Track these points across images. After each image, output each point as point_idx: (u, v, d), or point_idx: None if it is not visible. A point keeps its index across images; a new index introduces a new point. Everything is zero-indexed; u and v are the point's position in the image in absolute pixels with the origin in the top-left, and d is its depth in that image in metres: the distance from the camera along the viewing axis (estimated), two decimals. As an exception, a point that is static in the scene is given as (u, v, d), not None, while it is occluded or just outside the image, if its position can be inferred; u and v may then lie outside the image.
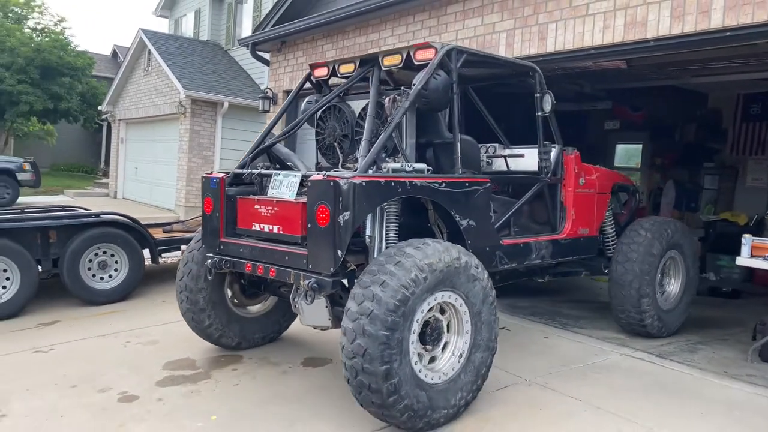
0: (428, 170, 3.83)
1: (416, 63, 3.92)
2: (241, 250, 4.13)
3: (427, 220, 4.13)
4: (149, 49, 16.13)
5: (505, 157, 5.10)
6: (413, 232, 3.88)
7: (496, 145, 5.33)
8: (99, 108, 21.71)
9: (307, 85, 4.80)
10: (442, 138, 4.23)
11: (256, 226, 4.07)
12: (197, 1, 19.41)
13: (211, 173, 4.36)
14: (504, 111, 10.79)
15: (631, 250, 5.19)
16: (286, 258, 3.75)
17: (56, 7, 43.84)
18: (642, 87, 8.00)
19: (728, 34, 4.49)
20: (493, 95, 9.65)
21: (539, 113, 4.60)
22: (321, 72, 4.59)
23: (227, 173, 4.34)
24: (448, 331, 3.64)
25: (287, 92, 9.77)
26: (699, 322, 6.22)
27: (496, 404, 3.94)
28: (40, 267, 5.97)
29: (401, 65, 3.98)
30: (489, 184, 4.03)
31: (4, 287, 5.71)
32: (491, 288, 3.71)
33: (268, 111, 9.80)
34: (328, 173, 3.52)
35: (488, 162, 5.22)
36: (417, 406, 3.32)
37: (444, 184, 3.76)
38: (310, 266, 3.57)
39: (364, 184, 3.39)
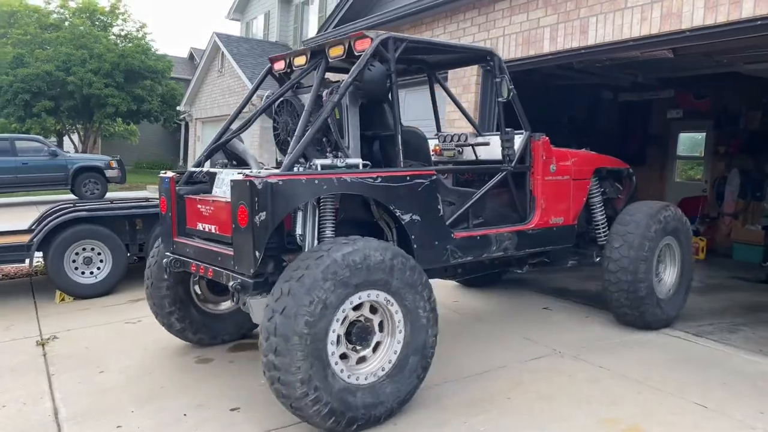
0: (365, 165, 3.73)
1: (356, 53, 3.83)
2: (188, 249, 4.08)
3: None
4: (222, 51, 17.10)
5: (472, 145, 4.98)
6: (364, 228, 3.91)
7: (467, 133, 5.24)
8: (177, 108, 23.05)
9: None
10: (389, 130, 4.07)
11: (200, 226, 4.04)
12: (267, 4, 20.28)
13: (165, 172, 4.33)
14: (567, 103, 10.97)
15: (627, 232, 4.99)
16: (219, 258, 3.70)
17: (137, 13, 46.48)
18: (705, 74, 8.00)
19: (759, 23, 4.64)
20: (555, 88, 9.90)
21: (499, 99, 4.48)
22: (279, 65, 4.44)
23: (182, 173, 4.32)
24: (381, 331, 3.51)
25: (348, 89, 10.29)
26: (749, 306, 6.33)
27: (527, 372, 4.31)
28: (128, 251, 6.76)
29: (344, 56, 3.91)
30: (435, 177, 3.89)
31: (98, 268, 6.53)
32: (429, 288, 3.58)
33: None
34: (247, 172, 3.40)
35: (459, 151, 5.11)
36: (335, 405, 3.21)
37: (380, 179, 3.62)
38: (236, 267, 3.53)
39: (280, 183, 3.27)
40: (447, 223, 4.06)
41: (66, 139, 26.99)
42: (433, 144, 5.21)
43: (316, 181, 3.39)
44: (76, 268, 6.42)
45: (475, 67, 7.48)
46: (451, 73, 7.83)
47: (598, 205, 5.40)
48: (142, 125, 27.95)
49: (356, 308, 3.37)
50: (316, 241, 3.66)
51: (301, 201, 3.43)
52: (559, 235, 4.87)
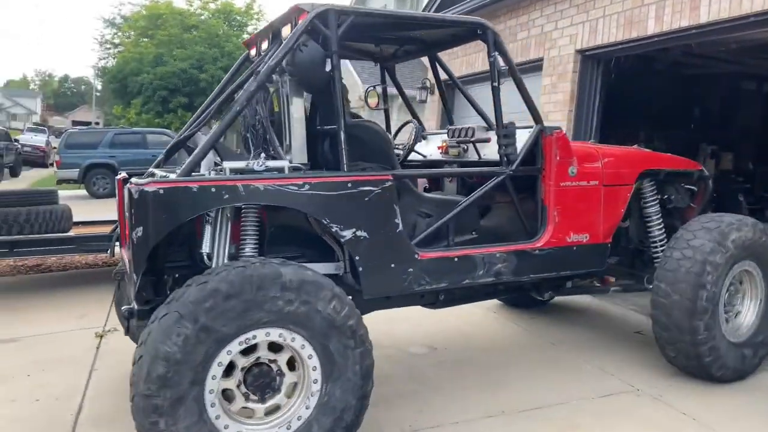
0: (295, 169, 3.11)
1: None
2: (124, 261, 3.63)
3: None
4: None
5: (473, 142, 4.07)
6: (312, 244, 3.32)
7: (475, 126, 4.17)
8: (296, 103, 23.68)
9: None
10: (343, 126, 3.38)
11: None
12: (384, -3, 20.16)
13: (120, 173, 3.81)
14: (698, 95, 9.73)
15: (683, 255, 3.80)
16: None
17: (271, 13, 48.70)
18: None
19: None
20: (683, 77, 8.78)
21: (494, 83, 3.57)
22: (252, 50, 3.91)
23: (141, 173, 3.74)
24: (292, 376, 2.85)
25: (444, 81, 9.75)
26: None
27: (590, 412, 3.61)
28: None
29: None
30: (389, 183, 3.16)
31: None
32: (359, 329, 2.85)
33: (425, 101, 9.91)
34: (140, 179, 2.82)
35: (464, 149, 4.21)
36: None
37: (308, 187, 2.96)
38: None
39: (161, 191, 2.69)
40: (416, 240, 3.34)
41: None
42: (440, 140, 4.50)
43: (213, 190, 2.78)
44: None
45: (572, 51, 6.69)
46: (546, 60, 7.08)
47: (654, 217, 4.33)
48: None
49: (250, 350, 2.71)
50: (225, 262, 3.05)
51: (192, 213, 2.80)
52: (580, 257, 3.82)
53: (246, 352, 2.70)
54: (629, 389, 3.95)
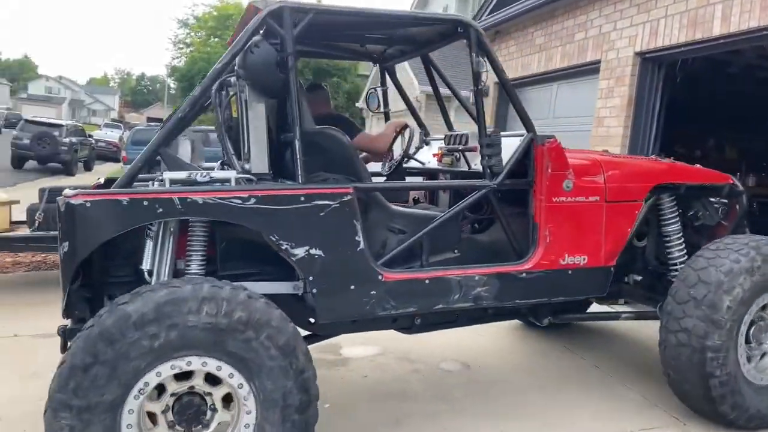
0: (247, 180, 2.88)
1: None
2: None
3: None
4: (395, 47, 17.07)
5: (460, 151, 3.70)
6: (269, 263, 3.06)
7: (469, 133, 3.74)
8: (356, 104, 23.80)
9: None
10: (306, 132, 3.11)
11: None
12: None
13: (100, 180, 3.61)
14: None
15: (700, 280, 3.32)
16: None
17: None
18: None
19: None
20: (759, 81, 8.17)
21: (476, 87, 3.17)
22: None
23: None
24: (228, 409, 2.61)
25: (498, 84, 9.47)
26: None
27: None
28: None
29: None
30: (348, 197, 2.89)
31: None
32: (302, 358, 2.60)
33: (478, 103, 9.65)
34: (77, 190, 2.59)
35: (456, 157, 3.83)
36: None
37: (254, 200, 2.73)
38: None
39: (87, 204, 2.52)
40: (384, 259, 3.06)
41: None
42: (437, 146, 4.14)
43: (146, 203, 2.57)
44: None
45: (631, 53, 6.29)
46: (603, 62, 6.70)
47: (674, 236, 3.85)
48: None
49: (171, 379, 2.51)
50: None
51: (122, 228, 2.60)
52: (576, 281, 3.42)
53: (181, 377, 2.52)
54: (672, 423, 3.61)
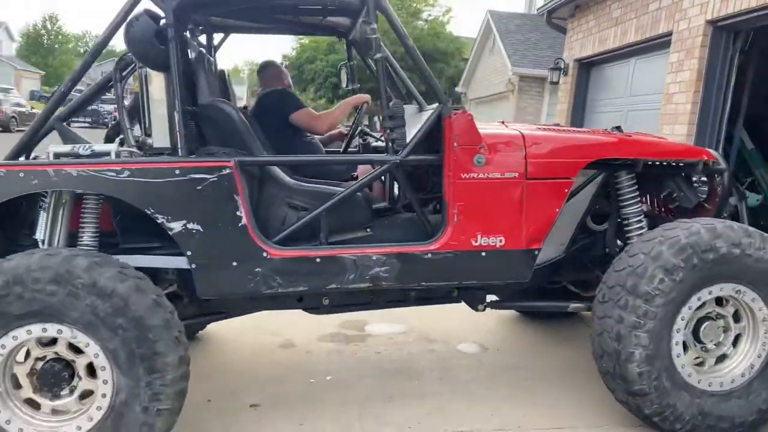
0: (130, 153, 2.89)
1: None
2: None
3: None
4: (492, 29, 16.69)
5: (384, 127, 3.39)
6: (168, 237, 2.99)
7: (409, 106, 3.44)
8: (456, 89, 23.52)
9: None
10: (201, 105, 3.11)
11: None
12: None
13: None
14: None
15: (630, 267, 2.90)
16: None
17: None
18: None
19: None
20: None
21: (376, 55, 2.87)
22: None
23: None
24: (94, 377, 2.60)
25: (578, 61, 8.97)
26: None
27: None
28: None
29: None
30: (228, 171, 2.80)
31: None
32: (154, 331, 2.53)
33: (556, 83, 9.19)
34: None
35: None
36: None
37: (128, 173, 2.70)
38: None
39: None
40: (281, 236, 2.97)
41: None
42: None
43: (21, 174, 2.63)
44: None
45: (702, 22, 5.72)
46: (675, 33, 6.15)
47: (633, 219, 3.40)
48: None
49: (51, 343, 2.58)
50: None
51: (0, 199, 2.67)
52: (492, 264, 3.12)
53: (47, 344, 2.59)
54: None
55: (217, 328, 4.43)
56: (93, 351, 2.53)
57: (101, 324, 2.49)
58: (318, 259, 2.95)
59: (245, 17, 3.76)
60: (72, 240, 2.96)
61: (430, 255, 3.03)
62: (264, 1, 3.32)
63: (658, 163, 3.38)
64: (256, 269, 2.89)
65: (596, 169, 3.35)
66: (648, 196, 3.79)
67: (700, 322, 3.00)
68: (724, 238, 2.86)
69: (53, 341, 2.57)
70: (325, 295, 3.22)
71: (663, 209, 3.66)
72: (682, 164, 3.44)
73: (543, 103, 14.45)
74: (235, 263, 2.87)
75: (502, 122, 3.63)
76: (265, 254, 2.88)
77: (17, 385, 2.59)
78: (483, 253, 3.08)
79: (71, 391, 2.61)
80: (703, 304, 2.96)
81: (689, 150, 3.49)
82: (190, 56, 3.13)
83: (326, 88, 25.98)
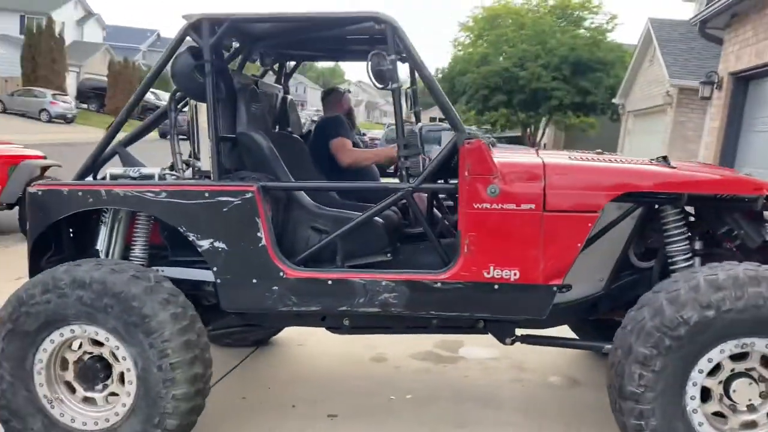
0: (167, 175, 3.17)
1: None
2: None
3: None
4: (652, 37, 15.65)
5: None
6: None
7: (422, 125, 3.47)
8: (612, 100, 22.25)
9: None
10: (239, 133, 3.34)
11: None
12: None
13: None
14: None
15: (642, 307, 2.68)
16: None
17: (609, 4, 45.29)
18: None
19: None
20: None
21: (393, 85, 2.91)
22: None
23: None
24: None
25: (734, 74, 8.11)
26: None
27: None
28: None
29: None
30: (250, 195, 2.98)
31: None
32: (166, 336, 2.73)
33: (708, 98, 8.35)
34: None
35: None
36: None
37: (165, 194, 3.00)
38: None
39: (39, 193, 3.08)
40: (301, 257, 3.11)
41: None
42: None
43: (80, 193, 3.03)
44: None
45: None
46: (755, 37, 5.38)
47: (678, 257, 3.10)
48: (603, 118, 27.57)
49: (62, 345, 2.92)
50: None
51: (62, 213, 3.09)
52: (505, 298, 3.02)
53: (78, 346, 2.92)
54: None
55: (314, 335, 4.67)
56: (121, 354, 2.82)
57: (122, 327, 2.77)
58: (330, 282, 3.06)
59: (294, 47, 4.07)
60: (128, 252, 3.33)
61: (440, 284, 3.01)
62: (306, 33, 3.55)
63: (709, 197, 3.09)
64: (274, 287, 3.07)
65: (634, 202, 3.12)
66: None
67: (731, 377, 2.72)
68: (726, 292, 2.55)
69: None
70: (343, 317, 3.32)
71: (737, 248, 3.25)
72: (735, 198, 3.09)
73: (706, 119, 13.24)
74: (255, 280, 3.07)
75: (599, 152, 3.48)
76: (282, 273, 3.05)
77: (64, 368, 2.95)
78: (496, 286, 3.00)
79: (103, 389, 2.93)
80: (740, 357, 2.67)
81: (742, 183, 3.11)
82: (235, 86, 3.38)
83: (476, 100, 25.91)
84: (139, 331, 2.73)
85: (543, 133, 28.59)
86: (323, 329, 3.56)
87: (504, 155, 3.09)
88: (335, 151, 4.10)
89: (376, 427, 3.45)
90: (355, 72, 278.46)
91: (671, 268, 3.14)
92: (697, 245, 3.16)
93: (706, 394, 2.67)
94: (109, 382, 2.91)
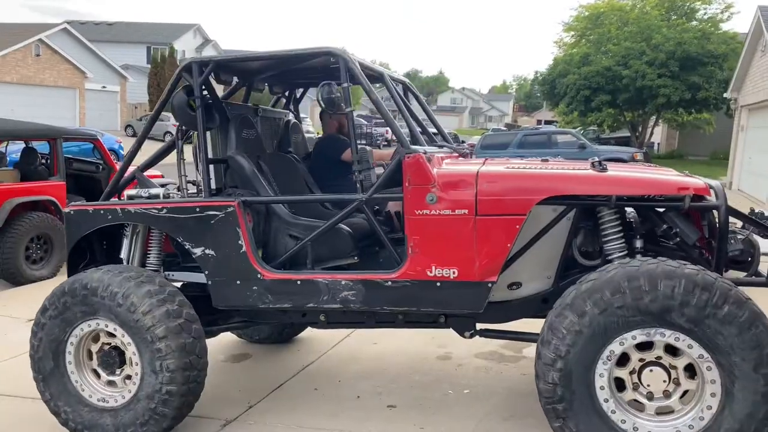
0: (170, 194, 3.71)
1: None
2: None
3: None
4: (762, 26, 14.64)
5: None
6: None
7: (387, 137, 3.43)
8: (724, 95, 20.90)
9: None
10: (228, 156, 3.85)
11: None
12: None
13: None
14: None
15: (560, 311, 2.95)
16: None
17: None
18: None
19: None
20: None
21: (347, 109, 3.43)
22: None
23: None
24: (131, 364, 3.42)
25: None
26: None
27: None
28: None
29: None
30: (232, 209, 3.46)
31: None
32: (169, 323, 3.27)
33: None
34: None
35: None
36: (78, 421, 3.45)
37: (165, 210, 3.54)
38: None
39: (71, 212, 3.70)
40: (278, 261, 3.59)
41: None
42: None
43: (102, 212, 3.62)
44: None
45: None
46: None
47: (615, 255, 3.27)
48: (719, 114, 26.03)
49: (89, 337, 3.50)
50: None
51: (88, 229, 3.70)
52: (446, 294, 3.33)
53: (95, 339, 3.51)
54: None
55: (388, 335, 5.02)
56: (122, 335, 3.37)
57: (129, 318, 3.30)
58: (298, 282, 3.49)
59: (285, 78, 4.55)
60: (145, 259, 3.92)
61: (390, 282, 3.38)
62: (275, 69, 4.10)
63: (636, 197, 3.24)
64: (254, 287, 3.53)
65: (566, 205, 3.31)
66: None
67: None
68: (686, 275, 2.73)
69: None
70: (317, 312, 3.74)
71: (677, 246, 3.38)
72: (663, 199, 3.20)
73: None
74: (238, 282, 3.55)
75: (545, 159, 3.74)
76: (259, 275, 3.50)
77: (90, 357, 3.55)
78: (438, 284, 3.34)
79: (121, 372, 3.48)
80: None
81: (668, 184, 3.21)
82: (228, 116, 3.93)
83: (578, 102, 25.27)
84: (138, 323, 3.28)
85: (651, 133, 27.30)
86: (398, 329, 3.99)
87: (446, 166, 3.47)
88: (346, 159, 4.45)
89: (428, 418, 3.76)
90: (460, 79, 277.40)
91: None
92: (638, 243, 3.34)
93: (620, 385, 2.93)
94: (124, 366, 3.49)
